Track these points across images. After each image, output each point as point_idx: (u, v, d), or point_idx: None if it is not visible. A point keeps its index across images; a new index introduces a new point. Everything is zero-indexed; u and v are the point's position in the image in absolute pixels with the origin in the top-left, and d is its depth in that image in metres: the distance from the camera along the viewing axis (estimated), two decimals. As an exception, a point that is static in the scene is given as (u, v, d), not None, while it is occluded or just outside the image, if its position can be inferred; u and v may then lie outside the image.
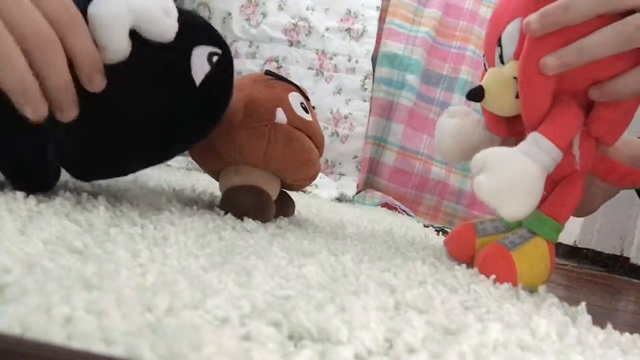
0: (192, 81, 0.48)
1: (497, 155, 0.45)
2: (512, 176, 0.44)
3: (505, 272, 0.46)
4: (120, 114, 0.46)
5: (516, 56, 0.48)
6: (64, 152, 0.46)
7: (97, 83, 0.43)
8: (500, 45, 0.50)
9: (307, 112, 0.61)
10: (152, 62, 0.46)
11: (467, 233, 0.54)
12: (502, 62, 0.50)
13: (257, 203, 0.57)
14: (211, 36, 0.50)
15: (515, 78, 0.47)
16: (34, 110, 0.40)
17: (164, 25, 0.45)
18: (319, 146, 0.63)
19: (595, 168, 0.50)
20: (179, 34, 0.46)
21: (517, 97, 0.48)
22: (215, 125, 0.51)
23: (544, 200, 0.48)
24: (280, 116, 0.58)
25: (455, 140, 0.56)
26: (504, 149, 0.46)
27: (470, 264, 0.52)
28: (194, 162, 0.64)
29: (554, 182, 0.49)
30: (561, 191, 0.49)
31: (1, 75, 0.39)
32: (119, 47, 0.43)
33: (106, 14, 0.42)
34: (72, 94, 0.42)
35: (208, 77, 0.48)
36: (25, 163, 0.44)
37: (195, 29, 0.48)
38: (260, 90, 0.59)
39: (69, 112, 0.42)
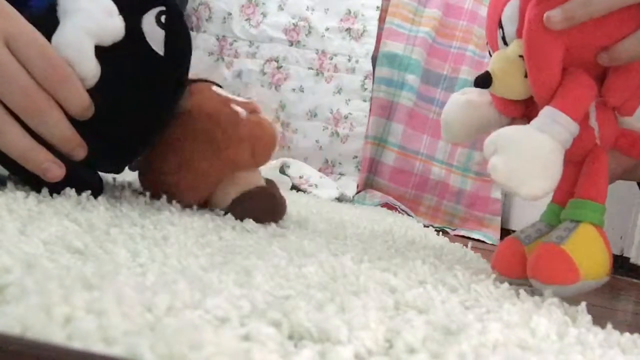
0: (156, 55, 0.49)
1: (508, 134, 0.43)
2: (527, 153, 0.42)
3: (564, 268, 0.42)
4: (113, 116, 0.48)
5: (519, 34, 0.46)
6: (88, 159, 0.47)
7: (88, 115, 0.45)
8: (501, 27, 0.48)
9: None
10: (118, 63, 0.47)
11: (512, 246, 0.50)
12: (505, 44, 0.49)
13: (273, 204, 0.57)
14: None
15: (521, 56, 0.46)
16: (44, 173, 0.43)
17: (113, 28, 0.46)
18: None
19: (617, 143, 0.48)
20: (124, 18, 0.47)
21: (525, 76, 0.46)
22: (186, 72, 0.53)
23: (572, 189, 0.47)
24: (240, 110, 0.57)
25: (462, 111, 0.55)
26: (516, 127, 0.44)
27: (527, 277, 0.46)
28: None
29: (578, 164, 0.48)
30: (588, 172, 0.47)
31: (2, 147, 0.42)
32: (92, 74, 0.45)
33: (71, 52, 0.44)
34: (75, 140, 0.45)
35: (167, 41, 0.49)
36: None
37: (130, 1, 0.49)
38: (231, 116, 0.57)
39: (79, 153, 0.46)
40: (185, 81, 0.54)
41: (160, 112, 0.52)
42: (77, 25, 0.44)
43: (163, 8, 0.50)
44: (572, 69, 0.46)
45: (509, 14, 0.48)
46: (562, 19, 0.43)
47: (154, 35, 0.49)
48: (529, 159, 0.42)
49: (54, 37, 0.44)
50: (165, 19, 0.49)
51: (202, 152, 0.54)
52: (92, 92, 0.45)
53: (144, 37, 0.48)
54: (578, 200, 0.46)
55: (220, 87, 0.61)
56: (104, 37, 0.45)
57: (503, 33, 0.49)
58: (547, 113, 0.44)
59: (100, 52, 0.45)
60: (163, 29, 0.49)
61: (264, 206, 0.56)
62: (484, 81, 0.48)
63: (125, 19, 0.47)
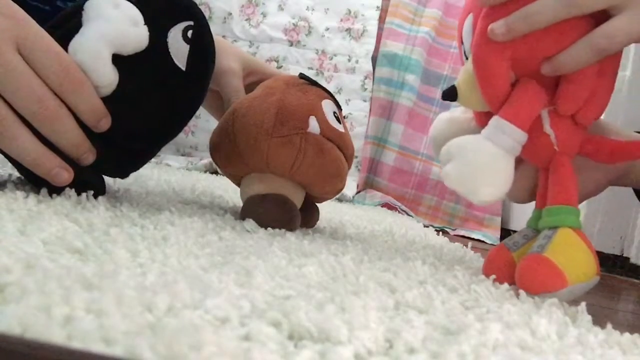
0: (178, 69, 0.49)
1: (459, 143, 0.46)
2: (474, 161, 0.44)
3: (549, 275, 0.42)
4: (126, 126, 0.48)
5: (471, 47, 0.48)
6: (94, 163, 0.47)
7: (103, 126, 0.45)
8: (462, 42, 0.50)
9: (339, 122, 0.58)
10: (138, 74, 0.47)
11: (501, 254, 0.50)
12: (467, 58, 0.50)
13: (282, 213, 0.54)
14: (177, 10, 0.49)
15: None
16: (52, 178, 0.43)
17: (137, 38, 0.46)
18: (349, 159, 0.59)
19: (582, 149, 0.49)
20: (149, 28, 0.46)
21: None
22: (206, 89, 0.52)
23: (544, 197, 0.48)
24: (313, 125, 0.54)
25: (446, 128, 0.57)
26: (467, 136, 0.46)
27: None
28: (194, 163, 0.63)
29: (547, 171, 0.49)
30: (554, 179, 0.48)
31: (13, 153, 0.42)
32: (108, 82, 0.45)
33: (87, 58, 0.43)
34: (85, 146, 0.45)
35: (190, 57, 0.49)
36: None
37: (159, 11, 0.48)
38: (293, 95, 0.56)
39: (88, 158, 0.46)
40: (203, 98, 0.53)
41: (173, 126, 0.52)
42: (95, 32, 0.43)
43: (191, 23, 0.49)
44: (522, 79, 0.47)
45: (466, 30, 0.50)
46: (505, 32, 0.44)
47: (178, 49, 0.48)
48: (476, 166, 0.44)
49: (71, 43, 0.43)
50: (192, 34, 0.49)
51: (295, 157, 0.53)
52: (108, 100, 0.45)
53: (167, 50, 0.48)
54: (551, 207, 0.47)
55: (334, 99, 0.60)
56: (124, 46, 0.45)
57: (464, 48, 0.50)
58: (493, 122, 0.46)
59: (120, 60, 0.45)
60: (188, 43, 0.49)
61: (273, 213, 0.53)
62: (449, 94, 0.50)
63: (151, 30, 0.46)
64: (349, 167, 0.59)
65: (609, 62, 0.46)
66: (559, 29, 0.44)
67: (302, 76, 0.59)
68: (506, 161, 0.45)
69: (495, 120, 0.46)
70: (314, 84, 0.59)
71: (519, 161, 0.49)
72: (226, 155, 0.56)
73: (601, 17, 0.44)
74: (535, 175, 0.52)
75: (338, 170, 0.56)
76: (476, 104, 0.49)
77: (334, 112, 0.58)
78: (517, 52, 0.45)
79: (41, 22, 0.43)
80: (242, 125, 0.54)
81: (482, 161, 0.44)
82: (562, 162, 0.48)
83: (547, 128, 0.48)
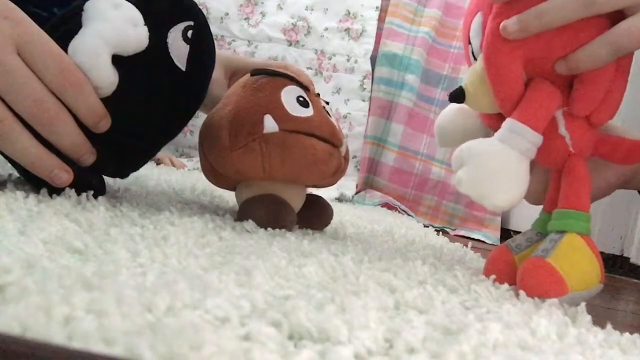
0: (178, 69, 0.49)
1: (471, 147, 0.44)
2: (488, 165, 0.43)
3: (550, 281, 0.42)
4: (126, 126, 0.48)
5: (482, 47, 0.47)
6: (94, 163, 0.47)
7: (103, 127, 0.45)
8: (470, 42, 0.49)
9: (306, 105, 0.55)
10: (138, 74, 0.47)
11: (503, 255, 0.49)
12: (475, 58, 0.49)
13: (270, 212, 0.53)
14: (177, 10, 0.49)
15: None
16: (52, 180, 0.43)
17: (137, 38, 0.46)
18: (330, 137, 0.55)
19: (598, 150, 0.48)
20: (149, 29, 0.46)
21: None
22: (206, 89, 0.52)
23: (554, 200, 0.47)
24: (269, 124, 0.52)
25: (453, 118, 0.55)
26: (479, 140, 0.45)
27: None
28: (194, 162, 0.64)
29: (558, 172, 0.48)
30: (567, 181, 0.47)
31: (12, 154, 0.42)
32: (108, 83, 0.45)
33: (87, 59, 0.43)
34: (85, 147, 0.45)
35: (190, 57, 0.49)
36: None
37: (160, 11, 0.48)
38: (246, 98, 0.54)
39: (88, 159, 0.46)
40: (202, 98, 0.53)
41: (173, 126, 0.52)
42: (95, 33, 0.43)
43: (191, 23, 0.49)
44: (536, 80, 0.46)
45: (475, 29, 0.48)
46: (518, 29, 0.43)
47: (178, 49, 0.48)
48: (490, 170, 0.43)
49: (71, 44, 0.43)
50: (192, 34, 0.49)
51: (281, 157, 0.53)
52: (107, 101, 0.45)
53: (167, 50, 0.48)
54: (561, 210, 0.46)
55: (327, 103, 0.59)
56: (124, 47, 0.45)
57: (472, 48, 0.49)
58: (507, 125, 0.45)
59: (120, 61, 0.45)
60: (188, 44, 0.49)
61: (261, 214, 0.53)
62: (457, 96, 0.49)
63: (151, 30, 0.46)
64: (337, 143, 0.56)
65: (624, 61, 0.45)
66: (573, 28, 0.43)
67: (255, 72, 0.56)
68: (521, 164, 0.44)
69: (509, 122, 0.45)
70: (271, 73, 0.56)
71: (532, 163, 0.47)
72: (209, 174, 0.58)
73: (616, 17, 0.43)
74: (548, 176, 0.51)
75: (314, 157, 0.54)
76: (486, 105, 0.48)
77: (299, 97, 0.55)
78: (529, 51, 0.44)
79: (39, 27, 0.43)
80: (208, 145, 0.55)
81: (497, 165, 0.43)
82: (577, 164, 0.47)
83: (562, 130, 0.46)
